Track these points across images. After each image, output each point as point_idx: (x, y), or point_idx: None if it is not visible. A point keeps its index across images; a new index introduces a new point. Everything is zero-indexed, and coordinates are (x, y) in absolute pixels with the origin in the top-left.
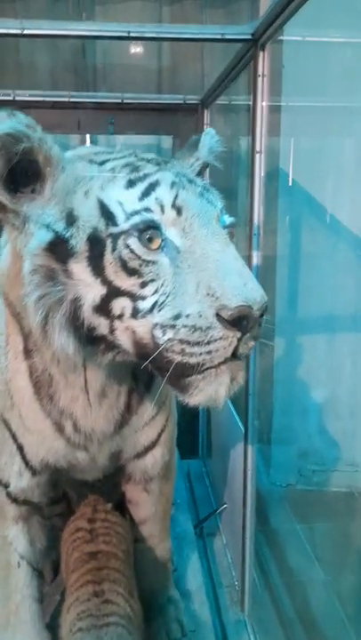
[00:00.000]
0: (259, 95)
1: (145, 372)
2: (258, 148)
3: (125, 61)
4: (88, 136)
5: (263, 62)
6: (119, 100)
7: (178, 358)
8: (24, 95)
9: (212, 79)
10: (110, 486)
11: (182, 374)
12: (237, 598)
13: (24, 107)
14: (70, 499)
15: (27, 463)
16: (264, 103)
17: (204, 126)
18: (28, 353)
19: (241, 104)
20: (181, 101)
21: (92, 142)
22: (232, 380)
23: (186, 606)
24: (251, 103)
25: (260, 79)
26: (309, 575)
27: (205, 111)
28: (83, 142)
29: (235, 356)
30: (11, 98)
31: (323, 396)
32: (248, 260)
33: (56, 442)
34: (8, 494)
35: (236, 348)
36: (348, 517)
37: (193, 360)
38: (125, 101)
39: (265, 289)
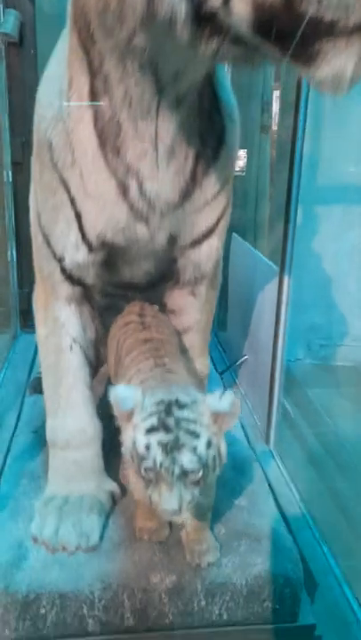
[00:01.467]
0: None
1: (213, 137)
2: None
3: None
4: None
5: None
6: None
7: (311, 11)
8: None
9: None
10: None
11: (310, 38)
12: (261, 435)
13: None
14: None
15: (83, 235)
16: None
17: None
18: (94, 96)
19: None
20: None
21: None
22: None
23: None
24: None
25: None
26: (321, 424)
27: None
28: None
29: None
30: None
31: (333, 269)
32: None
33: (118, 208)
34: (62, 270)
35: None
36: (354, 387)
37: (328, 15)
38: None
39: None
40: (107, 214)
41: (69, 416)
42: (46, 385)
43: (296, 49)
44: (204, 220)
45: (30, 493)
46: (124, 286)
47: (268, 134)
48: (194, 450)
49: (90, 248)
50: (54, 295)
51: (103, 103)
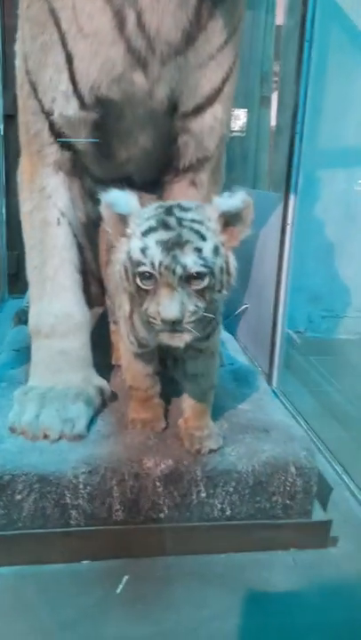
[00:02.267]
0: None
1: None
2: None
3: None
4: None
5: None
6: None
7: None
8: None
9: None
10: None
11: None
12: (263, 378)
13: None
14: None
15: (75, 86)
16: None
17: None
18: None
19: None
20: None
21: None
22: None
23: None
24: None
25: None
26: (323, 384)
27: None
28: None
29: None
30: None
31: (336, 237)
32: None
33: (114, 48)
34: (51, 127)
35: None
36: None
37: None
38: None
39: None
40: (101, 57)
41: (55, 300)
42: (31, 267)
43: None
44: (209, 78)
45: (9, 395)
46: (117, 184)
47: (267, 108)
48: (199, 251)
49: (82, 103)
50: (41, 161)
51: None
